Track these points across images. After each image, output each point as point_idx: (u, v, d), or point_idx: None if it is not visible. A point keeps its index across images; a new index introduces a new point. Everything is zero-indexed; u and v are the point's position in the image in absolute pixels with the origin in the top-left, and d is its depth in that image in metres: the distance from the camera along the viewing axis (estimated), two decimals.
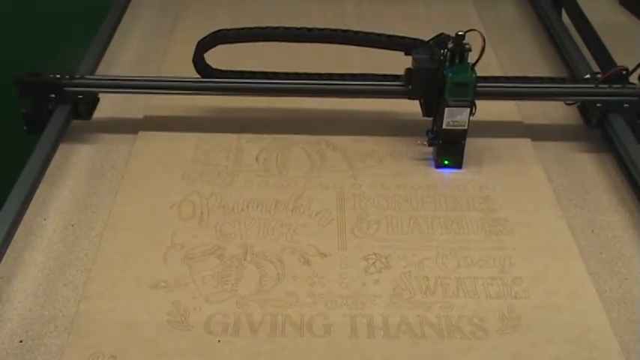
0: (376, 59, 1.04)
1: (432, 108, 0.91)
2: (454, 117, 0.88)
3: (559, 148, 0.98)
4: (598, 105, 0.97)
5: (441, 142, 0.91)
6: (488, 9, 1.31)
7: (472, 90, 0.87)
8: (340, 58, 1.06)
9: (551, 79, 1.04)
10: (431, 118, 0.93)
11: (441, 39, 0.90)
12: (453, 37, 0.87)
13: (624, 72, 0.98)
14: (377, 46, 0.96)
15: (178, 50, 1.17)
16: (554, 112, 1.04)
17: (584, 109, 0.99)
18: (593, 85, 0.99)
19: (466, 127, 0.89)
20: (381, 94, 0.98)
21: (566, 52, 1.11)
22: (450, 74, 0.87)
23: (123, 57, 1.18)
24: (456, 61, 0.87)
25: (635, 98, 0.96)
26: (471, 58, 0.87)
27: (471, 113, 0.88)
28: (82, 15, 1.40)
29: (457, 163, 0.92)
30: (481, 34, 0.85)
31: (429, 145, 0.93)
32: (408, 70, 0.93)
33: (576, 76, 1.04)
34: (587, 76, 1.02)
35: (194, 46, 0.98)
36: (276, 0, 1.31)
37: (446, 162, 0.92)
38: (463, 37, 0.86)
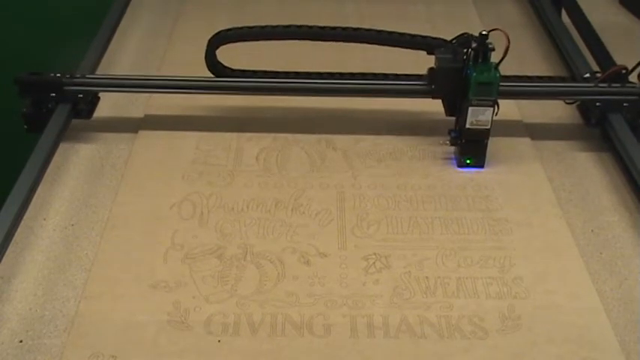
0: (376, 59, 1.04)
1: (455, 107, 0.92)
2: (477, 116, 0.88)
3: (558, 147, 0.98)
4: (597, 104, 0.97)
5: (463, 141, 0.91)
6: (488, 9, 1.31)
7: (496, 89, 0.87)
8: (338, 58, 1.06)
9: (551, 79, 1.04)
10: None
11: (464, 38, 0.90)
12: (476, 37, 0.87)
13: (624, 71, 0.98)
14: (399, 46, 0.97)
15: (178, 50, 1.17)
16: (554, 111, 1.04)
17: (584, 108, 0.99)
18: (592, 85, 0.99)
19: (489, 127, 0.89)
20: (404, 94, 0.98)
21: (566, 51, 1.11)
22: (474, 74, 0.87)
23: (123, 57, 1.18)
24: (480, 60, 0.87)
25: (635, 97, 0.96)
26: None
27: (494, 113, 0.88)
28: (82, 14, 1.40)
29: (479, 163, 0.92)
30: (506, 34, 0.85)
31: (452, 145, 0.93)
32: (430, 69, 0.93)
33: (576, 76, 1.04)
34: (587, 75, 1.02)
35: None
36: (275, 1, 1.31)
37: (468, 161, 0.92)
38: (487, 36, 0.86)
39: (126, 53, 1.19)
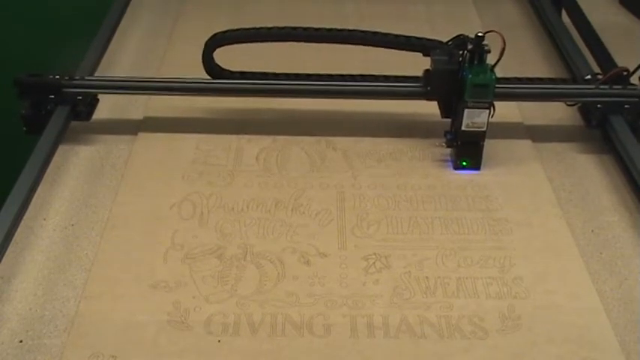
0: (376, 61, 1.04)
1: (451, 109, 0.92)
2: (473, 118, 0.88)
3: (559, 149, 0.98)
4: (598, 106, 0.96)
5: (459, 143, 0.91)
6: (488, 9, 1.31)
7: (491, 91, 0.87)
8: (338, 59, 1.06)
9: (552, 80, 1.04)
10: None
11: (460, 40, 0.90)
12: (472, 39, 0.86)
13: (625, 73, 0.98)
14: (395, 47, 0.96)
15: (178, 51, 1.17)
16: (555, 112, 1.04)
17: (585, 110, 0.99)
18: (593, 86, 0.98)
19: (485, 129, 0.89)
20: (400, 96, 0.98)
21: (567, 52, 1.11)
22: (470, 76, 0.86)
23: (122, 58, 1.17)
24: (475, 62, 0.87)
25: (636, 99, 0.96)
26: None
27: (490, 115, 0.88)
28: (82, 14, 1.40)
29: (475, 165, 0.92)
30: (501, 36, 0.85)
31: (448, 147, 0.93)
32: (426, 71, 0.93)
33: (577, 77, 1.04)
34: (588, 77, 1.02)
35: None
36: (275, 1, 1.31)
37: (464, 163, 0.92)
38: (483, 38, 0.86)
39: (126, 53, 1.19)
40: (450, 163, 0.93)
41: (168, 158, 0.94)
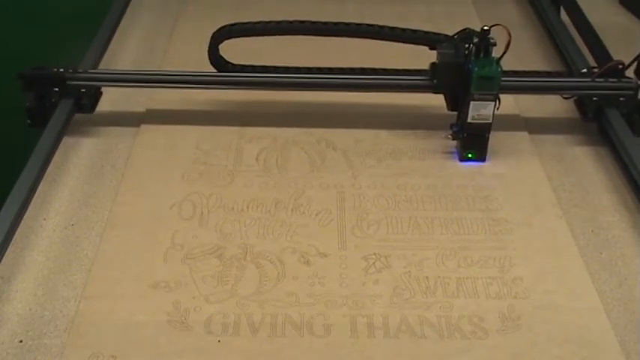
0: (376, 55, 1.04)
1: (457, 102, 0.92)
2: (479, 111, 0.89)
3: (556, 141, 0.99)
4: (594, 99, 0.97)
5: (465, 135, 0.92)
6: (487, 10, 1.31)
7: (497, 84, 0.88)
8: (339, 53, 1.06)
9: (549, 73, 1.05)
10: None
11: (466, 34, 0.90)
12: (478, 32, 0.87)
13: (620, 66, 0.99)
14: (401, 41, 0.97)
15: (178, 50, 1.17)
16: (551, 105, 1.04)
17: (581, 103, 1.00)
18: (589, 79, 0.99)
19: (491, 121, 0.90)
20: (406, 89, 0.98)
21: (564, 47, 1.12)
22: (476, 68, 0.87)
23: (122, 58, 1.18)
24: (481, 55, 0.88)
25: (631, 92, 0.97)
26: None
27: (496, 107, 0.89)
28: (82, 15, 1.40)
29: (481, 157, 0.93)
30: (507, 29, 0.86)
31: (454, 139, 0.94)
32: (433, 64, 0.94)
33: (573, 71, 1.05)
34: (584, 70, 1.02)
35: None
36: (275, 1, 1.31)
37: (470, 155, 0.93)
38: (488, 31, 0.87)
39: (126, 53, 1.19)
40: (454, 156, 0.93)
41: (168, 158, 0.94)
